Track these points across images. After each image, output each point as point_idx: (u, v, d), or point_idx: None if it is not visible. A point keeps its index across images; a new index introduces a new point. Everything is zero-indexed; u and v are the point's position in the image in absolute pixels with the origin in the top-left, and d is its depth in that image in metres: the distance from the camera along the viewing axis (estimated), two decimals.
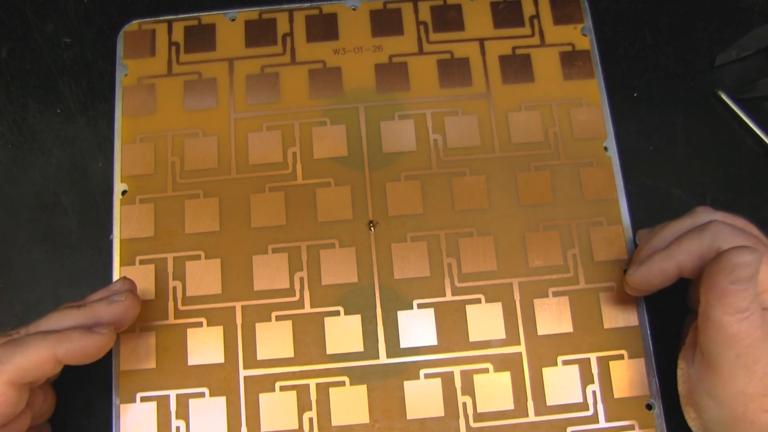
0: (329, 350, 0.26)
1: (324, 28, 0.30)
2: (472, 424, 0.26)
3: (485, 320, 0.27)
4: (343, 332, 0.27)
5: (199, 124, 0.29)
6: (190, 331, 0.27)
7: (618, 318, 0.27)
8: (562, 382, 0.26)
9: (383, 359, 0.26)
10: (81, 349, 0.22)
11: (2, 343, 0.22)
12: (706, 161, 0.29)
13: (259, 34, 0.30)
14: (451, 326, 0.27)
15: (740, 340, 0.21)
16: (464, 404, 0.26)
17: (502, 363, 0.26)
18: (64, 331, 0.22)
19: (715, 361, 0.21)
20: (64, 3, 0.32)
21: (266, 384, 0.26)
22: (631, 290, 0.25)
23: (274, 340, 0.26)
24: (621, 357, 0.26)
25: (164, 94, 0.30)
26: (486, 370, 0.26)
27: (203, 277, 0.27)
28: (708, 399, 0.22)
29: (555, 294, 0.27)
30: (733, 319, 0.21)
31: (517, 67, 0.30)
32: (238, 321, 0.27)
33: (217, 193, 0.28)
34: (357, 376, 0.26)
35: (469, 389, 0.26)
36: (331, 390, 0.26)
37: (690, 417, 0.24)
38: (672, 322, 0.26)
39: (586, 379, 0.26)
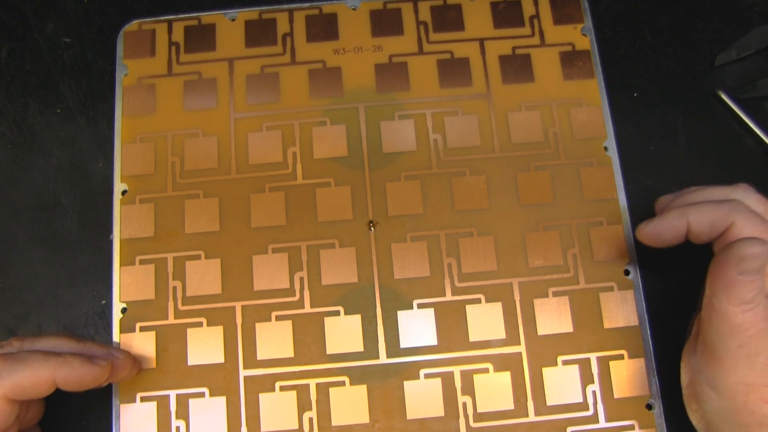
0: (329, 350, 0.26)
1: (324, 28, 0.30)
2: (472, 424, 0.26)
3: (485, 320, 0.27)
4: (343, 332, 0.27)
5: (199, 124, 0.29)
6: (190, 331, 0.27)
7: (618, 318, 0.27)
8: (562, 382, 0.26)
9: (383, 359, 0.26)
10: (78, 377, 0.23)
11: (1, 354, 0.22)
12: (706, 161, 0.29)
13: (259, 34, 0.30)
14: (451, 326, 0.27)
15: (744, 331, 0.21)
16: (464, 404, 0.26)
17: (502, 363, 0.26)
18: (65, 355, 0.23)
19: (717, 351, 0.22)
20: (64, 3, 0.32)
21: (266, 384, 0.26)
22: (642, 239, 0.25)
23: (274, 340, 0.26)
24: (621, 357, 0.26)
25: (164, 94, 0.30)
26: (486, 370, 0.26)
27: (203, 277, 0.27)
28: (709, 389, 0.22)
29: (555, 294, 0.27)
30: (738, 310, 0.21)
31: (517, 67, 0.30)
32: (238, 321, 0.27)
33: (217, 193, 0.28)
34: (357, 376, 0.26)
35: (469, 389, 0.26)
36: (331, 390, 0.26)
37: (691, 409, 0.23)
38: (672, 322, 0.26)
39: (586, 379, 0.26)
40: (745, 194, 0.24)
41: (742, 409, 0.21)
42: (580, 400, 0.26)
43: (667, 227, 0.24)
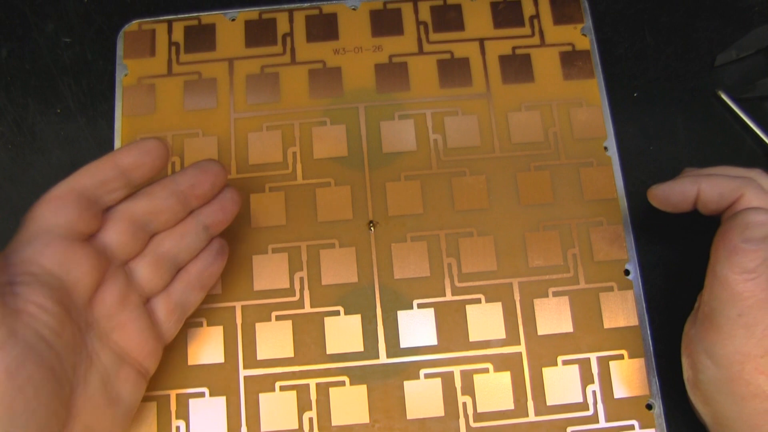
0: (329, 350, 0.26)
1: (324, 28, 0.30)
2: (472, 424, 0.26)
3: (485, 320, 0.27)
4: (343, 332, 0.27)
5: (199, 124, 0.29)
6: (190, 331, 0.26)
7: (618, 318, 0.27)
8: (562, 382, 0.26)
9: (383, 359, 0.26)
10: (140, 148, 0.22)
11: None
12: (706, 161, 0.29)
13: (259, 34, 0.30)
14: (451, 326, 0.27)
15: (744, 300, 0.21)
16: (464, 404, 0.26)
17: (502, 363, 0.26)
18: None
19: (716, 319, 0.22)
20: (64, 3, 0.32)
21: (266, 384, 0.26)
22: (651, 199, 0.25)
23: (274, 340, 0.26)
24: (621, 357, 0.26)
25: (164, 94, 0.30)
26: (486, 370, 0.26)
27: None
28: (706, 358, 0.22)
29: (555, 294, 0.27)
30: (740, 278, 0.21)
31: (517, 67, 0.30)
32: (238, 321, 0.27)
33: None
34: (357, 376, 0.26)
35: (469, 389, 0.26)
36: (331, 390, 0.26)
37: (689, 382, 0.23)
38: (672, 322, 0.26)
39: (586, 379, 0.26)
40: (758, 176, 0.24)
41: (737, 378, 0.21)
42: (580, 400, 0.26)
43: (677, 191, 0.24)
